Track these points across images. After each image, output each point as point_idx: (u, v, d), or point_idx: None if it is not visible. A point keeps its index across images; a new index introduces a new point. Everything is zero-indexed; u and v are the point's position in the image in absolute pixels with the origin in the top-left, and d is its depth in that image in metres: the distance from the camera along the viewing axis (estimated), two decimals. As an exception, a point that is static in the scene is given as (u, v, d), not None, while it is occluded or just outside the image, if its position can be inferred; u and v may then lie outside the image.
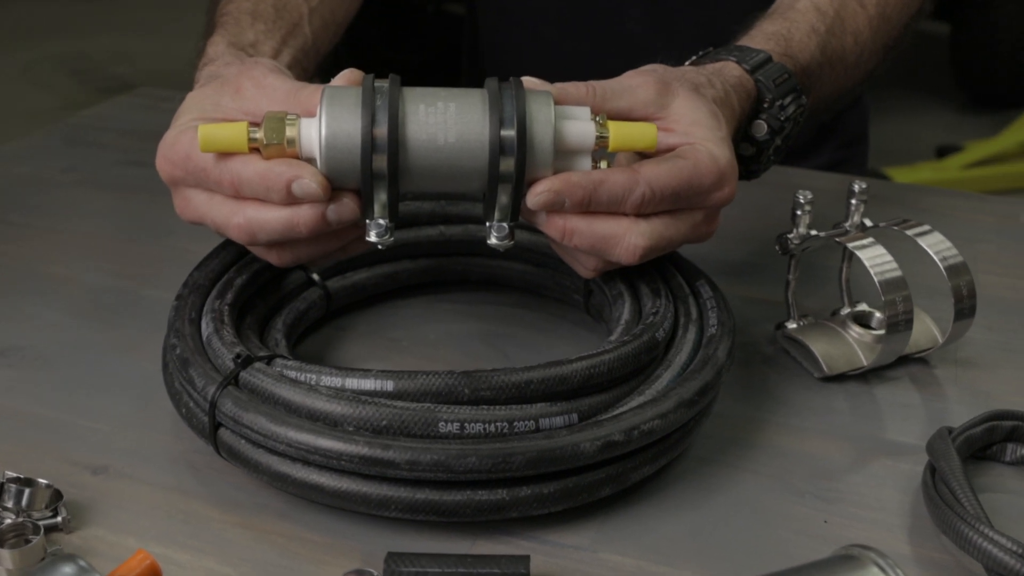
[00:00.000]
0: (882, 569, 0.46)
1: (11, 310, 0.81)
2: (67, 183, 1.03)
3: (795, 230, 0.74)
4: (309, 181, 0.60)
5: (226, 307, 0.67)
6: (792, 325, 0.76)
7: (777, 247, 0.75)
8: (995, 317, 0.80)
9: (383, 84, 0.61)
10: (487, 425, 0.58)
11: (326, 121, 0.60)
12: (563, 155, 0.62)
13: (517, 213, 0.63)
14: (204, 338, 0.65)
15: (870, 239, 0.72)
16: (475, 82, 0.72)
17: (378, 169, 0.60)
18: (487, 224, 0.64)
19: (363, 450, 0.56)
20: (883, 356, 0.71)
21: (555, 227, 0.62)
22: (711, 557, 0.58)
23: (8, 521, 0.57)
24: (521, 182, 0.61)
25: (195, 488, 0.63)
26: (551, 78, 0.65)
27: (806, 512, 0.62)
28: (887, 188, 1.10)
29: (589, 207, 0.62)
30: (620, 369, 0.62)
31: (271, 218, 0.62)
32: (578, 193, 0.61)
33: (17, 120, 2.97)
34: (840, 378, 0.73)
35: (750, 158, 0.76)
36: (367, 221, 0.62)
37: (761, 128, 0.74)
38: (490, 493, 0.57)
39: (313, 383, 0.60)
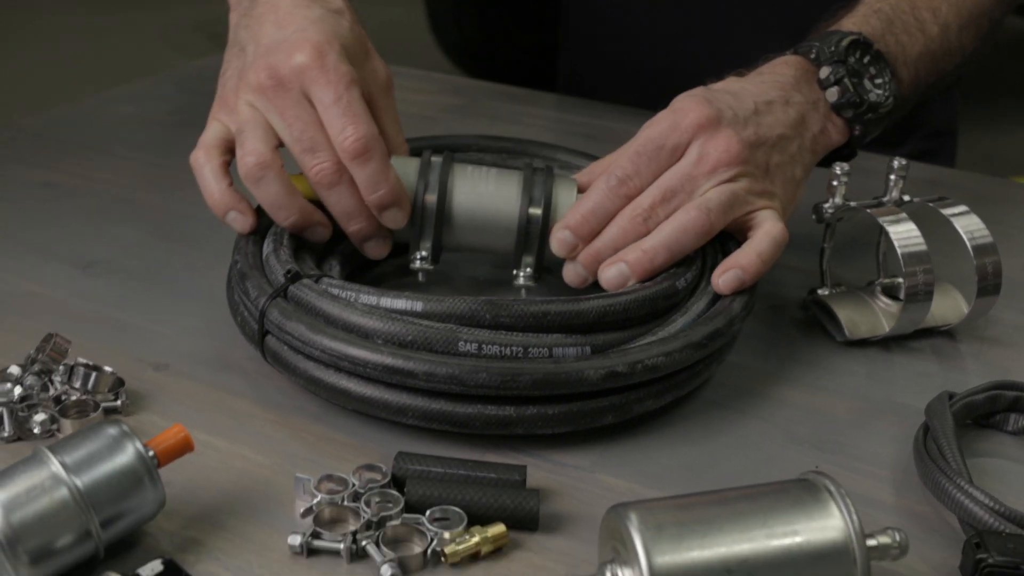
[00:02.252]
0: (831, 494, 0.50)
1: (101, 229, 0.89)
2: (170, 124, 1.11)
3: (831, 200, 0.77)
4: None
5: (287, 231, 0.73)
6: (823, 291, 0.79)
7: (813, 215, 0.78)
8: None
9: (438, 159, 0.75)
10: (503, 348, 0.63)
11: None
12: None
13: (540, 271, 0.75)
14: (263, 256, 0.72)
15: (901, 214, 0.74)
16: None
17: (427, 217, 0.74)
18: (514, 271, 0.75)
19: (387, 360, 0.62)
20: (902, 324, 0.74)
21: (578, 275, 0.72)
22: (699, 487, 0.61)
23: (74, 398, 0.65)
24: (543, 249, 0.74)
25: (243, 389, 0.69)
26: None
27: (800, 458, 0.65)
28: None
29: (595, 226, 0.72)
30: (636, 310, 0.66)
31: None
32: (574, 221, 0.72)
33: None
34: (863, 345, 0.76)
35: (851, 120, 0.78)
36: (415, 253, 0.75)
37: (827, 79, 0.77)
38: (499, 409, 0.62)
39: (352, 300, 0.66)
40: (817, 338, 0.77)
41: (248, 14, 0.77)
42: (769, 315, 0.80)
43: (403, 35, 2.50)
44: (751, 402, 0.70)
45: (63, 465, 0.52)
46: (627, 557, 0.48)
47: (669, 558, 0.47)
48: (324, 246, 0.76)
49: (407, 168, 0.74)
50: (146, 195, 0.95)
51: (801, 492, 0.50)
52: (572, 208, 0.73)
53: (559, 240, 0.72)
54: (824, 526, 0.48)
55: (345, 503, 0.58)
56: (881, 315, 0.77)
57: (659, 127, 0.72)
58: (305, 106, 0.70)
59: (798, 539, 0.48)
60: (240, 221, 0.72)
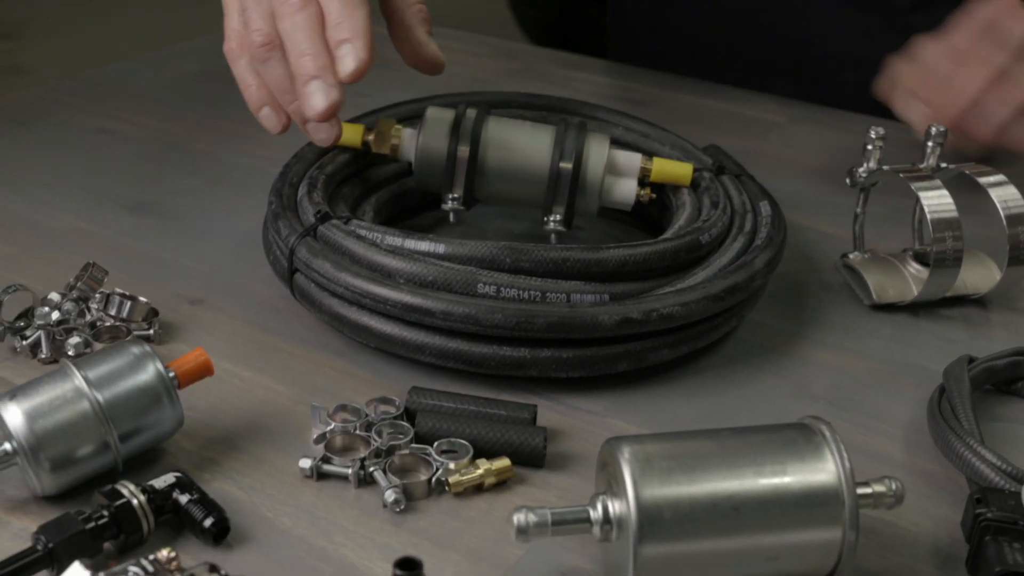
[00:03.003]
0: (825, 437, 0.50)
1: (155, 174, 0.92)
2: (229, 79, 1.13)
3: (865, 164, 0.77)
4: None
5: (323, 176, 0.75)
6: (854, 256, 0.79)
7: (847, 179, 0.78)
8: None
9: (473, 111, 0.76)
10: (521, 292, 0.64)
11: (423, 139, 0.75)
12: (613, 177, 0.76)
13: (570, 221, 0.75)
14: (297, 199, 0.73)
15: (935, 180, 0.74)
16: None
17: (459, 168, 0.75)
18: (544, 218, 0.76)
19: (406, 298, 0.63)
20: (929, 290, 0.74)
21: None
22: (709, 435, 0.62)
23: (108, 324, 0.67)
24: (573, 202, 0.75)
25: (272, 325, 0.71)
26: None
27: (815, 413, 0.65)
28: None
29: None
30: (656, 262, 0.67)
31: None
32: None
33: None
34: (892, 310, 0.76)
35: None
36: (447, 195, 0.76)
37: None
38: (514, 350, 0.64)
39: (377, 241, 0.67)
40: (845, 302, 0.77)
41: None
42: (798, 278, 0.80)
43: (483, 11, 2.51)
44: (770, 359, 0.70)
45: (86, 380, 0.55)
46: (617, 489, 0.49)
47: (657, 491, 0.48)
48: (359, 193, 0.78)
49: (443, 119, 0.75)
50: (199, 144, 0.98)
51: (795, 434, 0.50)
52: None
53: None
54: (814, 468, 0.49)
55: (357, 432, 0.59)
56: (910, 280, 0.77)
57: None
58: None
59: (787, 479, 0.48)
60: (272, 119, 0.71)
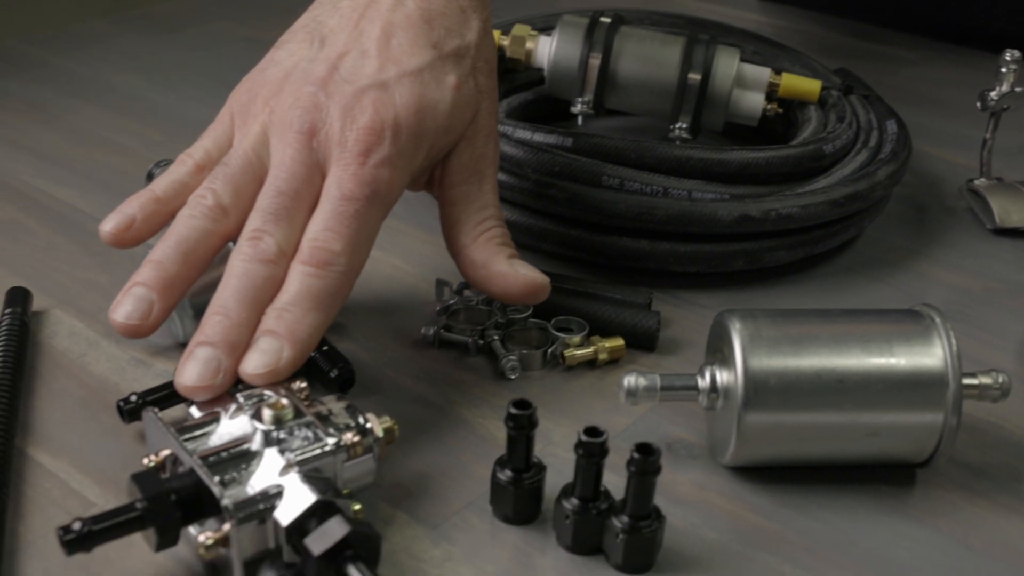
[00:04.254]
0: (934, 322, 0.51)
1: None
2: None
3: (997, 88, 0.76)
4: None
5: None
6: (980, 181, 0.79)
7: (978, 103, 0.78)
8: None
9: (607, 20, 0.77)
10: (644, 186, 0.66)
11: (556, 44, 0.77)
12: (740, 90, 0.77)
13: (696, 130, 0.77)
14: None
15: (1071, 104, 0.73)
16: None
17: (590, 76, 0.77)
18: (671, 126, 0.77)
19: (531, 186, 0.66)
20: (1056, 214, 0.73)
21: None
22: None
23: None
24: (700, 112, 0.76)
25: (404, 214, 0.74)
26: None
27: (927, 322, 0.66)
28: None
29: None
30: (779, 167, 0.68)
31: None
32: None
33: None
34: (1014, 235, 0.76)
35: None
36: (577, 99, 0.77)
37: None
38: (633, 241, 0.66)
39: (508, 133, 0.70)
40: (967, 225, 0.77)
41: None
42: (920, 201, 0.80)
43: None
44: (886, 271, 0.71)
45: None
46: (726, 359, 0.51)
47: (764, 360, 0.49)
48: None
49: (578, 24, 0.77)
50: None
51: (904, 317, 0.52)
52: None
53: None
54: (922, 350, 0.50)
55: (479, 306, 0.62)
56: (1036, 207, 0.76)
57: None
58: (313, 174, 0.53)
59: (893, 359, 0.49)
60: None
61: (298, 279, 0.51)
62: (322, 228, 0.52)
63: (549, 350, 0.59)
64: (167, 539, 0.44)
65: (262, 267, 0.51)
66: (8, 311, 0.60)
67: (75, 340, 0.61)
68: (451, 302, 0.63)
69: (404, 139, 0.54)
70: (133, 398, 0.52)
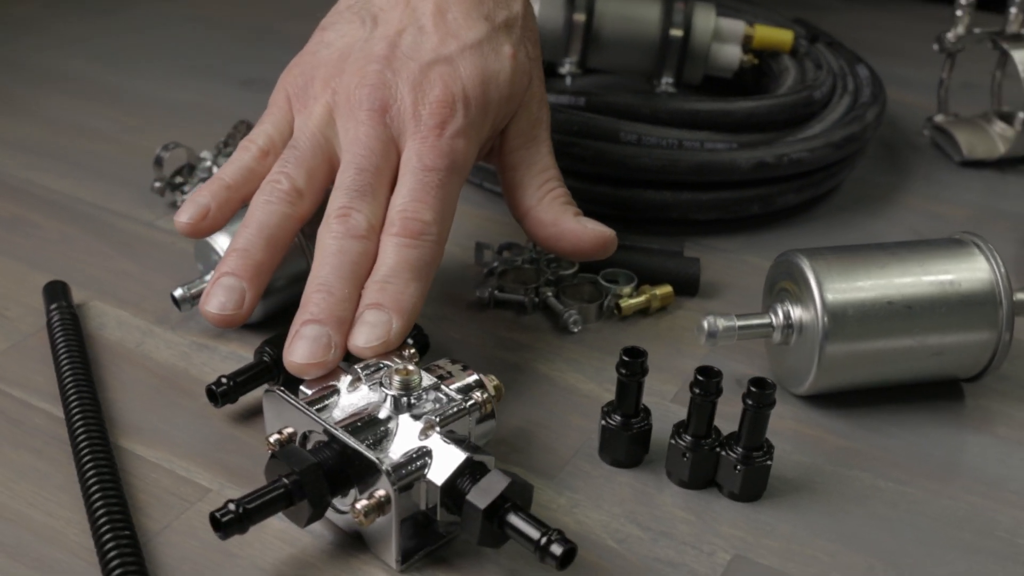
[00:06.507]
0: (980, 247, 0.55)
1: (254, 53, 0.95)
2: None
3: (954, 29, 0.82)
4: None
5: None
6: (940, 118, 0.84)
7: (935, 45, 0.83)
8: None
9: None
10: (661, 139, 0.68)
11: (540, 7, 0.79)
12: (719, 43, 0.80)
13: (679, 84, 0.81)
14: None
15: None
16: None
17: (574, 37, 0.79)
18: (654, 81, 0.81)
19: (554, 146, 0.67)
20: (1017, 146, 0.79)
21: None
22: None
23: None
24: (683, 68, 0.80)
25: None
26: None
27: (928, 250, 0.71)
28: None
29: None
30: (779, 114, 0.72)
31: None
32: None
33: None
34: (978, 166, 0.81)
35: None
36: (564, 60, 0.80)
37: None
38: (656, 193, 0.68)
39: (517, 97, 0.71)
40: (934, 160, 0.83)
41: None
42: (889, 141, 0.85)
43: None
44: (877, 207, 0.76)
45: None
46: (799, 294, 0.54)
47: (840, 293, 0.53)
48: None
49: None
50: (295, 25, 1.01)
51: (953, 245, 0.56)
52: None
53: None
54: (974, 269, 0.54)
55: (523, 265, 0.64)
56: (996, 139, 0.82)
57: None
58: (389, 150, 0.54)
59: (950, 277, 0.54)
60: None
61: (394, 251, 0.52)
62: (410, 200, 0.53)
63: (604, 302, 0.62)
64: (319, 511, 0.44)
65: (356, 243, 0.52)
66: (55, 306, 0.59)
67: (127, 330, 0.60)
68: (494, 264, 0.64)
69: (474, 110, 0.55)
70: (224, 380, 0.53)
